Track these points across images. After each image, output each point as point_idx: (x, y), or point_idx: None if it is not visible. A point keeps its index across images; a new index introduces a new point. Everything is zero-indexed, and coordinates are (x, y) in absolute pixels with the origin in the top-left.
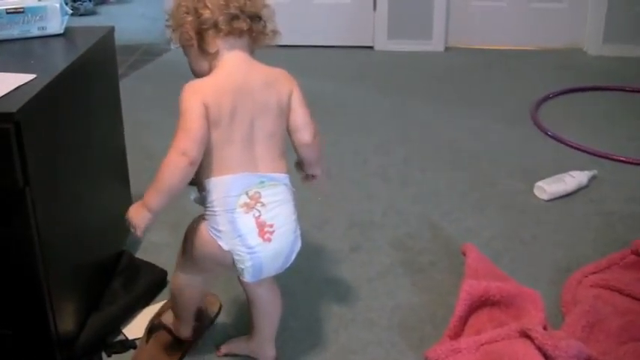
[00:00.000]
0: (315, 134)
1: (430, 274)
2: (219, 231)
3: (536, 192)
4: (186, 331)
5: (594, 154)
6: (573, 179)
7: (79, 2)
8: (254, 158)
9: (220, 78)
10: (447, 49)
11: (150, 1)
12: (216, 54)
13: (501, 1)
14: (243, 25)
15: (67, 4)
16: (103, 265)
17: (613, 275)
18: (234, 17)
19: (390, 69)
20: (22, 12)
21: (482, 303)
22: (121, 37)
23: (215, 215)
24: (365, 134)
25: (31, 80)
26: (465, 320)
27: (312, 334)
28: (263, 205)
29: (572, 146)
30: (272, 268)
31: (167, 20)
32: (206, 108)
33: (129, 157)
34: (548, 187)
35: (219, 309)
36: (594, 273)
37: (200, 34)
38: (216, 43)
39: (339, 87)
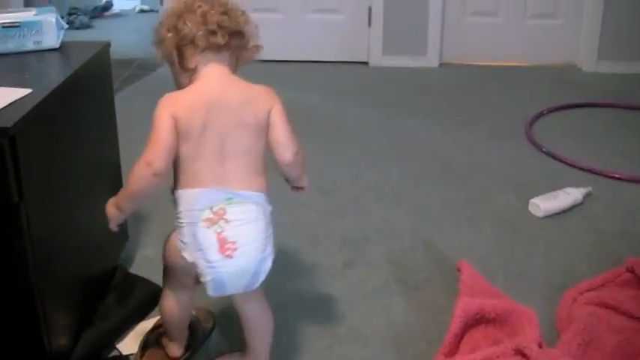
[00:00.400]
0: (297, 152)
1: (424, 291)
2: (184, 242)
3: (531, 209)
4: (175, 350)
5: (589, 171)
6: (568, 196)
7: (75, 16)
8: (225, 174)
9: (195, 92)
10: (441, 64)
11: (145, 16)
12: (195, 69)
13: (496, 17)
14: (220, 39)
15: (62, 17)
16: (98, 280)
17: (608, 293)
18: (212, 33)
19: (384, 84)
20: (18, 26)
21: (477, 320)
22: (115, 51)
23: (181, 227)
24: (359, 150)
25: (27, 95)
26: (459, 338)
27: (305, 351)
28: (227, 221)
29: (566, 163)
30: (237, 285)
31: (153, 37)
32: (175, 121)
33: (123, 172)
34: (543, 204)
35: (213, 325)
36: (589, 290)
37: (179, 50)
38: (195, 58)
39: (334, 102)
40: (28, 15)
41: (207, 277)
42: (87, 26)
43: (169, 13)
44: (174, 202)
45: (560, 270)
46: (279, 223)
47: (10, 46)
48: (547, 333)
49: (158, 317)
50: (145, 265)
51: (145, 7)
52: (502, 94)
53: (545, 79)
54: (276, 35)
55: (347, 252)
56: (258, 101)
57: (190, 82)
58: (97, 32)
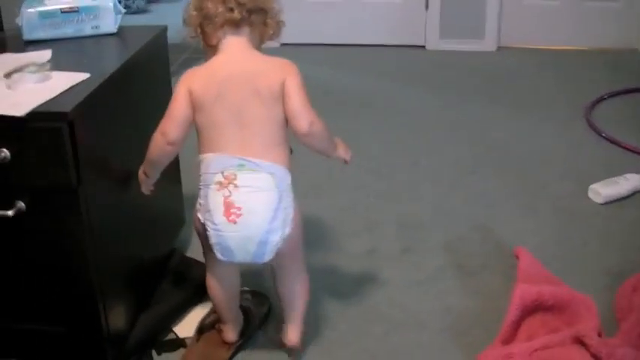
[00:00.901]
0: (312, 122)
1: (481, 278)
2: (200, 204)
3: (591, 195)
4: (230, 334)
5: None
6: (628, 182)
7: (132, 0)
8: (240, 142)
9: (211, 66)
10: (499, 48)
11: None
12: (217, 45)
13: (554, 1)
14: (236, 15)
15: (119, 2)
16: (154, 264)
17: None
18: (229, 10)
19: (441, 69)
20: (77, 11)
21: (534, 308)
22: (172, 36)
23: (199, 189)
24: (415, 135)
25: (85, 79)
26: (517, 325)
27: (361, 336)
28: (236, 186)
29: (627, 148)
30: (245, 252)
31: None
32: (190, 93)
33: (180, 156)
34: (603, 190)
35: (269, 309)
36: None
37: (202, 28)
38: (216, 35)
39: (390, 87)
40: (86, 0)
41: (213, 240)
42: (144, 11)
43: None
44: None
45: (619, 258)
46: (336, 206)
47: (69, 31)
48: (606, 322)
49: None
50: (200, 248)
51: None
52: (560, 79)
53: (604, 64)
54: (331, 19)
55: (403, 237)
56: (272, 72)
57: (211, 54)
58: (154, 16)
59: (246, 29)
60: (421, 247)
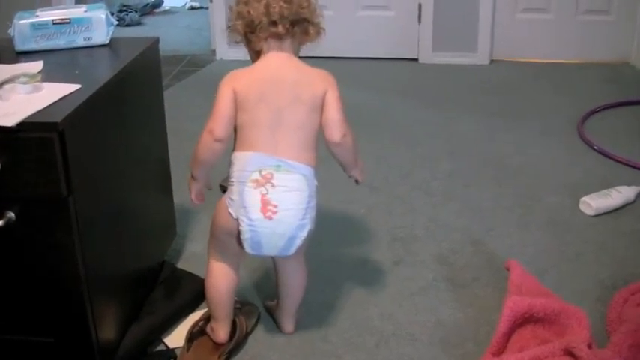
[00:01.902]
0: (346, 134)
1: (473, 290)
2: (232, 200)
3: (582, 207)
4: (221, 333)
5: None
6: (620, 195)
7: (125, 13)
8: (277, 143)
9: (254, 69)
10: (492, 61)
11: (195, 13)
12: (260, 52)
13: (547, 14)
14: (280, 30)
15: (112, 14)
16: (145, 275)
17: None
18: (273, 23)
19: (434, 82)
20: (69, 22)
21: (525, 320)
22: (166, 48)
23: (231, 185)
24: (409, 147)
25: (76, 90)
26: (508, 337)
27: (353, 348)
28: (273, 185)
29: (618, 161)
30: (273, 246)
31: (232, 17)
32: (234, 93)
33: (172, 167)
34: (594, 203)
35: (257, 319)
36: None
37: (246, 36)
38: (260, 44)
39: (384, 99)
40: (78, 11)
41: (246, 235)
42: (137, 23)
43: (238, 0)
44: (230, 164)
45: (611, 270)
46: (330, 219)
47: (61, 42)
48: (597, 334)
49: (205, 310)
50: (192, 260)
51: (195, 4)
52: (553, 92)
53: (597, 77)
54: (326, 32)
55: (396, 249)
56: (316, 82)
57: (255, 58)
58: (147, 29)
59: (288, 39)
60: (413, 260)
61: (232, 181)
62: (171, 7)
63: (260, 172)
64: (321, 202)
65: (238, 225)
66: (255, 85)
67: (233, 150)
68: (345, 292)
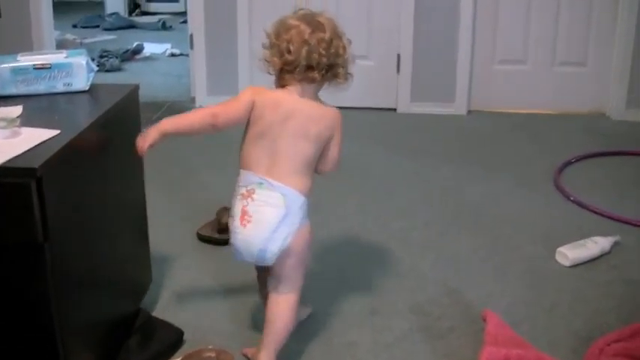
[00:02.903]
0: (335, 168)
1: (449, 341)
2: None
3: (558, 258)
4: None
5: (617, 220)
6: (596, 245)
7: (106, 58)
8: (269, 166)
9: (279, 95)
10: (469, 112)
11: (175, 60)
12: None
13: (524, 65)
14: (316, 76)
15: (93, 60)
16: (120, 322)
17: (636, 344)
18: (310, 68)
19: (412, 131)
20: (49, 68)
21: None
22: (146, 94)
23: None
24: (386, 197)
25: (55, 136)
26: None
27: None
28: (252, 199)
29: (594, 211)
30: (249, 254)
31: (266, 38)
32: (254, 105)
33: (149, 214)
34: (570, 253)
35: None
36: (617, 341)
37: (281, 70)
38: (291, 82)
39: (362, 149)
40: (58, 57)
41: (231, 241)
42: (118, 69)
43: (281, 36)
44: None
45: (587, 321)
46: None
47: (41, 87)
48: None
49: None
50: (168, 308)
51: (176, 51)
52: (530, 142)
53: (574, 127)
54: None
55: (372, 299)
56: (327, 121)
57: (276, 85)
58: (128, 75)
59: (317, 84)
60: (389, 310)
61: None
62: (152, 54)
63: (246, 187)
64: None
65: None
66: (274, 109)
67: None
68: (320, 342)
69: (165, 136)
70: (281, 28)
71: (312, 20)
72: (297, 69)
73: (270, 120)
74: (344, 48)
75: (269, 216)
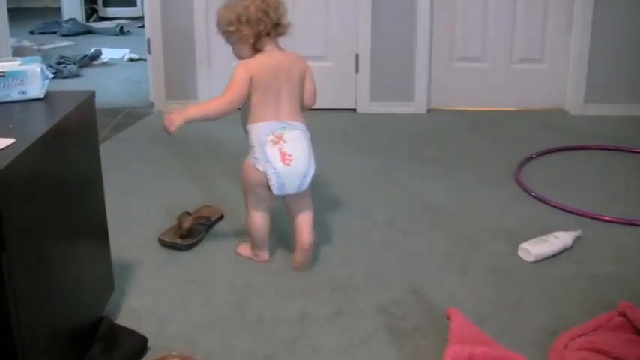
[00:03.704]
0: (315, 99)
1: (414, 340)
2: (256, 159)
3: (521, 253)
4: (263, 254)
5: (578, 214)
6: (558, 240)
7: (64, 64)
8: (279, 112)
9: (262, 60)
10: (429, 110)
11: (134, 65)
12: (259, 48)
13: (482, 63)
14: (283, 29)
15: (51, 66)
16: (82, 332)
17: (600, 337)
18: (276, 25)
19: (372, 131)
20: (3, 76)
21: None
22: (104, 100)
23: (253, 148)
24: (347, 197)
25: (10, 145)
26: None
27: None
28: (284, 142)
29: (555, 206)
30: (293, 185)
31: (228, 25)
32: (250, 79)
33: (109, 221)
34: (533, 249)
35: None
36: (581, 335)
37: (256, 37)
38: (267, 43)
39: (323, 149)
40: (13, 65)
41: (273, 181)
42: (76, 75)
43: (245, 18)
44: (247, 135)
45: (552, 315)
46: (267, 269)
47: None
48: None
49: None
50: (131, 316)
51: (134, 56)
52: (490, 139)
53: (533, 123)
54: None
55: (336, 300)
56: (298, 63)
57: (252, 54)
58: (86, 81)
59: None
60: (353, 310)
61: (253, 146)
62: (110, 59)
63: (273, 134)
64: None
65: (265, 176)
66: (265, 73)
67: (247, 124)
68: (283, 346)
69: (190, 122)
70: (240, 9)
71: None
72: (270, 30)
73: (267, 81)
74: (283, 7)
75: (303, 150)
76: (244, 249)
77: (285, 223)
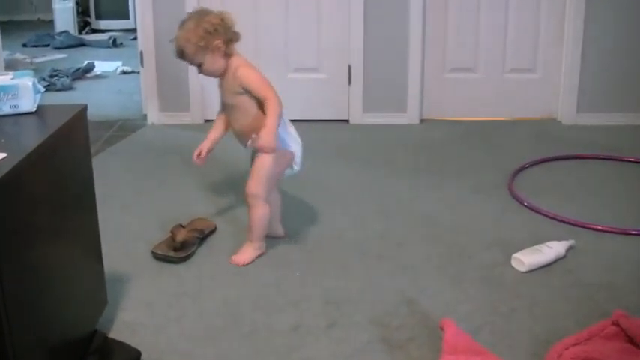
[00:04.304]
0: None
1: (408, 351)
2: (287, 142)
3: (514, 263)
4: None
5: (571, 224)
6: (551, 250)
7: (56, 77)
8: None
9: (247, 62)
10: (422, 121)
11: (126, 77)
12: (231, 54)
13: (475, 73)
14: (238, 37)
15: (44, 79)
16: (75, 345)
17: (594, 346)
18: (234, 33)
19: (365, 142)
20: None
21: None
22: (97, 113)
23: (281, 134)
24: (340, 208)
25: (2, 159)
26: None
27: None
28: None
29: (548, 216)
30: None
31: (200, 41)
32: None
33: (102, 234)
34: (526, 259)
35: None
36: (575, 345)
37: (226, 45)
38: (234, 48)
39: (315, 161)
40: (4, 79)
41: (298, 158)
42: (69, 88)
43: (212, 29)
44: (251, 142)
45: (545, 325)
46: (260, 282)
47: None
48: None
49: None
50: (124, 329)
51: (127, 69)
52: (483, 150)
53: (526, 133)
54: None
55: (330, 312)
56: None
57: (224, 63)
58: (79, 94)
59: None
60: (347, 322)
61: (288, 132)
62: (103, 72)
63: (286, 121)
64: (255, 266)
65: (293, 155)
66: None
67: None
68: (279, 357)
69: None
70: (207, 24)
71: (208, 10)
72: (232, 36)
73: None
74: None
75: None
76: (246, 254)
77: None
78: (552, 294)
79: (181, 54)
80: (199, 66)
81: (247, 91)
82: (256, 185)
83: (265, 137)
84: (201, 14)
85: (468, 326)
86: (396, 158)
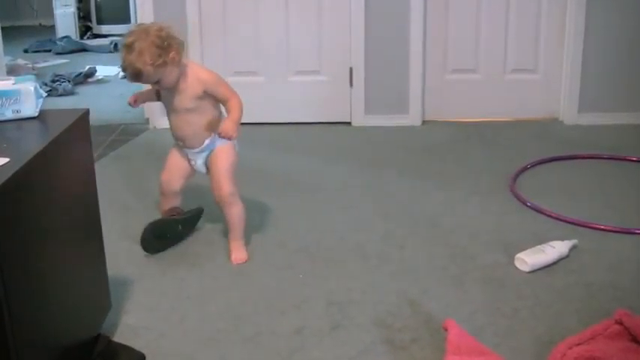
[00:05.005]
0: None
1: (412, 352)
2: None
3: (517, 264)
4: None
5: (574, 224)
6: (554, 250)
7: (58, 82)
8: None
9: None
10: (424, 122)
11: (128, 82)
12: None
13: (476, 74)
14: (183, 41)
15: (45, 84)
16: (79, 350)
17: (597, 346)
18: (181, 43)
19: (367, 144)
20: None
21: None
22: (99, 117)
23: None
24: (343, 211)
25: (4, 164)
26: None
27: None
28: None
29: (551, 216)
30: None
31: (159, 58)
32: None
33: (105, 238)
34: (529, 259)
35: None
36: (578, 344)
37: (179, 53)
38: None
39: (317, 164)
40: (6, 84)
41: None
42: (70, 93)
43: (164, 43)
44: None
45: (549, 325)
46: (264, 284)
47: None
48: None
49: None
50: (127, 333)
51: None
52: (485, 150)
53: (528, 134)
54: (257, 98)
55: (333, 314)
56: None
57: (178, 72)
58: (81, 98)
59: None
60: (351, 324)
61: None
62: (105, 76)
63: None
64: (256, 269)
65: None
66: None
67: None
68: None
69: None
70: (156, 40)
71: (145, 25)
72: (182, 43)
73: None
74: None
75: None
76: (242, 251)
77: (273, 234)
78: (555, 294)
79: (137, 77)
80: (157, 82)
81: (209, 94)
82: (228, 183)
83: (232, 125)
84: (143, 32)
85: (471, 327)
86: (398, 160)
